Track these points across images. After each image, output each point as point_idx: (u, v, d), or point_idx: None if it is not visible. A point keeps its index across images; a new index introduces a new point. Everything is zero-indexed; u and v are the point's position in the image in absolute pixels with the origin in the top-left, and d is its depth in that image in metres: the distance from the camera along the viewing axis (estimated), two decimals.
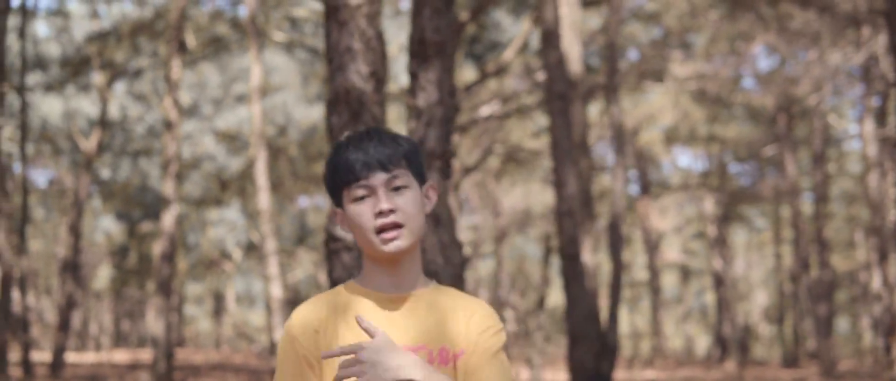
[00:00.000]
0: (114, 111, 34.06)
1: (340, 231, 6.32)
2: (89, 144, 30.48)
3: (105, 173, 36.89)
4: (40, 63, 30.97)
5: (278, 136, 36.15)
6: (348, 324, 2.77)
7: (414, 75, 6.77)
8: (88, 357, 36.71)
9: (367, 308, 2.79)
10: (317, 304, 2.83)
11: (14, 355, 28.30)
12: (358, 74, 6.35)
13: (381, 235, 2.72)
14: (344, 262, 6.31)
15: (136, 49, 30.33)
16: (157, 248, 25.09)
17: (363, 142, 2.77)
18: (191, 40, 25.62)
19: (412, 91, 6.78)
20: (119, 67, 30.99)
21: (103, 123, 30.50)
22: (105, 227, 46.86)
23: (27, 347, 24.21)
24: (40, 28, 32.03)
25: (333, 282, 6.35)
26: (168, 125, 24.82)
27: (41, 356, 35.36)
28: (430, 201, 2.87)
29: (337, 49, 6.42)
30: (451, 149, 6.73)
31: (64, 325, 28.17)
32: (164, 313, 24.14)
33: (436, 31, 6.72)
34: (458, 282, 6.68)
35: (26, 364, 24.44)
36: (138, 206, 39.18)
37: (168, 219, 24.18)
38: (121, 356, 37.68)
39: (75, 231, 29.93)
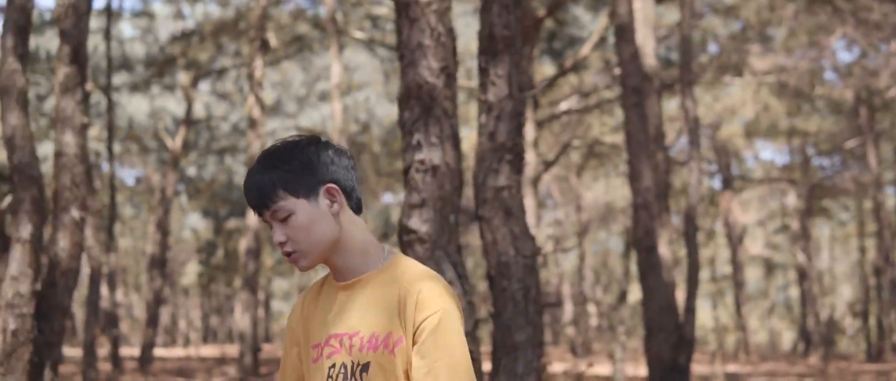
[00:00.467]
0: (199, 110, 34.61)
1: (414, 223, 6.48)
2: (175, 142, 31.01)
3: (191, 171, 37.48)
4: (126, 64, 31.59)
5: (361, 133, 36.46)
6: (315, 305, 2.96)
7: (484, 70, 6.88)
8: (176, 352, 37.32)
9: (326, 296, 2.95)
10: (306, 292, 3.06)
11: (103, 350, 28.90)
12: (428, 69, 6.47)
13: (286, 257, 2.87)
14: (417, 253, 6.44)
15: (220, 49, 30.76)
16: (244, 244, 25.45)
17: (249, 175, 2.88)
18: (273, 39, 25.92)
19: (482, 86, 6.89)
20: (203, 66, 31.47)
21: (188, 121, 31.02)
22: (192, 224, 47.60)
23: (116, 342, 24.71)
24: (126, 29, 32.60)
25: None
26: (252, 123, 25.15)
27: (130, 351, 36.04)
28: (336, 200, 2.85)
29: (408, 45, 6.55)
30: (521, 142, 6.82)
31: (152, 320, 28.70)
32: (250, 308, 24.49)
33: (505, 27, 6.81)
34: (529, 273, 6.79)
35: (115, 359, 24.96)
36: (224, 203, 39.75)
37: (253, 216, 24.51)
38: (208, 351, 38.24)
39: (162, 228, 30.49)
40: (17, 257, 8.06)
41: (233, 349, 37.13)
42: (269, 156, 2.85)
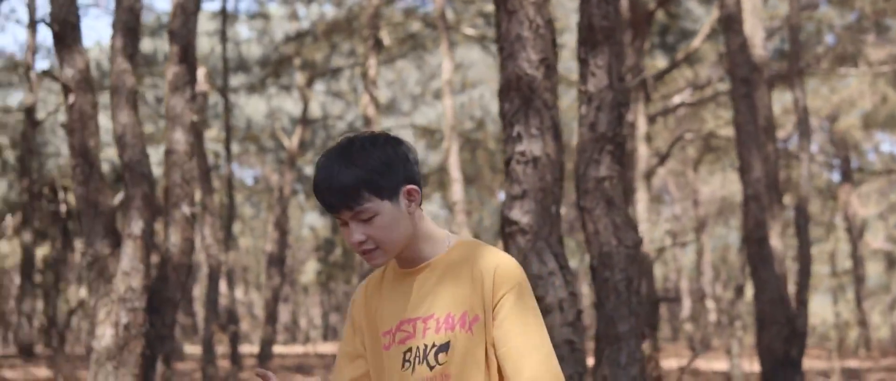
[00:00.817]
0: (315, 110, 34.99)
1: (516, 214, 6.46)
2: (292, 142, 31.39)
3: (308, 170, 37.91)
4: (243, 65, 32.07)
5: (476, 130, 36.48)
6: (380, 293, 2.96)
7: (583, 61, 6.84)
8: (296, 349, 37.78)
9: (393, 282, 2.94)
10: (368, 280, 3.04)
11: (222, 347, 29.42)
12: (528, 61, 6.45)
13: (362, 256, 2.85)
14: (518, 244, 6.44)
15: (334, 48, 31.06)
16: None
17: (324, 180, 2.79)
18: (386, 38, 26.11)
19: (582, 77, 6.85)
20: (319, 66, 31.81)
21: (305, 121, 31.38)
22: (311, 222, 48.15)
23: (235, 339, 25.10)
24: (242, 31, 33.11)
25: None
26: (366, 122, 25.36)
27: (250, 348, 36.61)
28: (413, 201, 2.86)
29: (507, 38, 6.53)
30: (622, 133, 6.76)
31: (271, 318, 29.09)
32: None
33: (604, 18, 6.76)
34: (631, 263, 6.73)
35: (234, 356, 25.36)
36: None
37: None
38: (327, 347, 38.66)
39: (280, 227, 30.88)
40: (129, 252, 8.25)
41: None
42: (347, 154, 2.79)
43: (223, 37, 28.37)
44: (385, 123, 36.54)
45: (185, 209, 8.90)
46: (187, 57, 8.94)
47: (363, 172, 2.75)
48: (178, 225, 8.88)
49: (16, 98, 38.58)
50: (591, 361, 7.49)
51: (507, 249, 6.47)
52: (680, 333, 44.42)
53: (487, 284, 2.82)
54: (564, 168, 6.56)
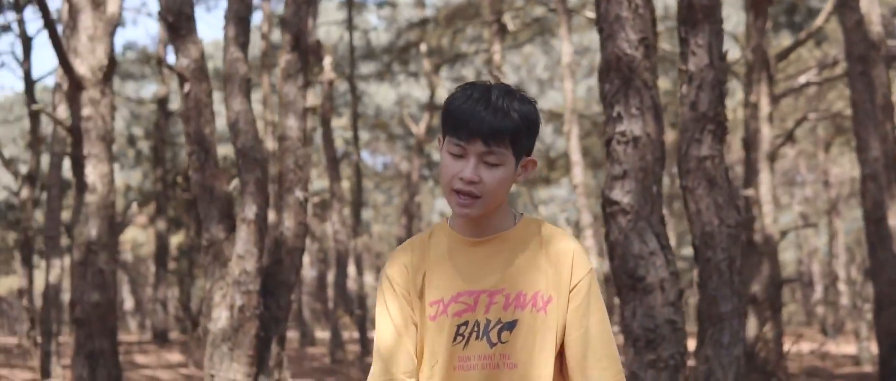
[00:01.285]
0: (442, 96, 35.17)
1: (617, 194, 6.45)
2: (419, 128, 31.62)
3: (437, 156, 38.13)
4: (371, 53, 32.36)
5: (602, 113, 36.22)
6: (428, 259, 2.83)
7: (684, 40, 6.78)
8: None
9: (451, 251, 2.81)
10: (410, 247, 2.88)
11: (348, 333, 29.77)
12: (627, 41, 6.42)
13: (457, 197, 2.71)
14: (620, 224, 6.42)
15: (458, 34, 31.16)
16: None
17: (481, 103, 2.69)
18: (510, 23, 26.10)
19: (682, 56, 6.80)
20: (445, 52, 31.96)
21: (432, 107, 31.55)
22: (441, 208, 48.43)
23: (362, 323, 25.39)
24: (371, 19, 33.42)
25: (610, 244, 6.49)
26: None
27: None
28: (525, 173, 2.81)
29: (606, 18, 6.52)
30: (723, 112, 6.69)
31: None
32: None
33: None
34: (733, 243, 6.66)
35: (363, 341, 25.67)
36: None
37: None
38: None
39: (409, 213, 31.15)
40: (243, 236, 8.44)
41: None
42: (510, 95, 2.74)
43: (350, 25, 28.72)
44: None
45: (299, 194, 9.07)
46: (299, 45, 9.10)
47: (518, 118, 2.71)
48: (291, 209, 9.05)
49: (149, 90, 39.64)
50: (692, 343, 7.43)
51: (608, 229, 6.47)
52: (813, 317, 43.54)
53: (565, 266, 2.80)
54: (665, 147, 6.53)
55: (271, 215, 11.02)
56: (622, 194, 6.40)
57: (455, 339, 2.77)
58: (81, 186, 12.57)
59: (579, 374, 2.79)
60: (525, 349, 2.76)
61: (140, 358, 22.95)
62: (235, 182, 9.18)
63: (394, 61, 32.38)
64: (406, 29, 31.10)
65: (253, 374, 8.41)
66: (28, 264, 20.29)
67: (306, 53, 9.12)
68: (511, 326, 2.76)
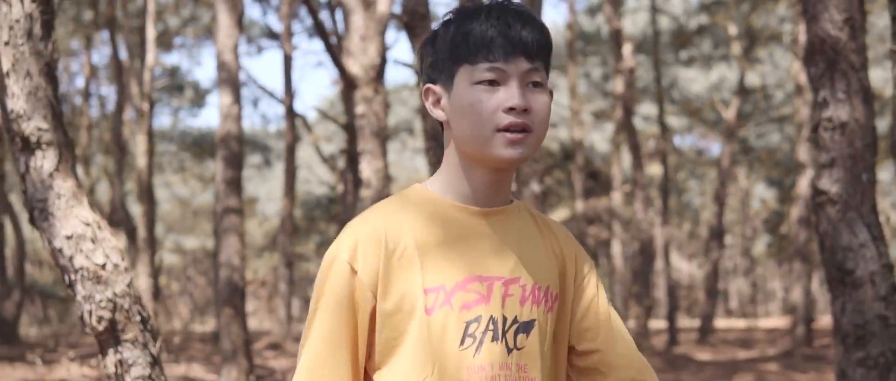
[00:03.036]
0: (752, 79, 34.19)
1: (824, 184, 6.13)
2: (730, 113, 30.89)
3: (751, 141, 37.13)
4: (678, 37, 31.85)
5: None
6: (431, 237, 2.18)
7: (894, 18, 6.37)
8: (738, 324, 37.18)
9: (448, 222, 2.20)
10: (380, 215, 2.20)
11: (658, 323, 29.42)
12: (831, 22, 6.09)
13: (507, 135, 2.11)
14: (828, 215, 6.11)
15: (768, 13, 30.27)
16: (794, 213, 25.12)
17: (505, 15, 2.16)
18: None
19: (894, 36, 6.38)
20: (757, 35, 31.09)
21: (743, 91, 30.75)
22: (759, 194, 47.14)
23: (648, 313, 25.05)
24: (675, 3, 32.91)
25: (820, 236, 6.19)
26: (798, 90, 24.61)
27: (692, 322, 36.40)
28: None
29: None
30: None
31: (711, 292, 28.81)
32: (802, 279, 23.95)
33: None
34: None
35: (672, 330, 25.37)
36: (788, 172, 39.02)
37: (803, 183, 24.04)
38: (773, 322, 37.78)
39: (719, 199, 30.50)
40: None
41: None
42: (531, 12, 2.22)
43: (653, 10, 28.42)
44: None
45: (535, 187, 9.09)
46: None
47: (547, 32, 2.22)
48: (528, 203, 9.08)
49: None
50: None
51: (817, 221, 6.18)
52: None
53: (570, 258, 2.34)
54: (877, 133, 6.15)
55: None
56: (830, 184, 6.08)
57: (463, 341, 2.12)
58: (357, 182, 13.03)
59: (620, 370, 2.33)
60: (542, 360, 2.21)
61: None
62: None
63: (696, 44, 31.81)
64: (697, 11, 30.47)
65: None
66: None
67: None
68: (528, 327, 2.19)
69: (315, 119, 40.94)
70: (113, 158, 26.34)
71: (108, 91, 35.31)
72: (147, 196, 22.65)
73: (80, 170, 34.77)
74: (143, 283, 21.36)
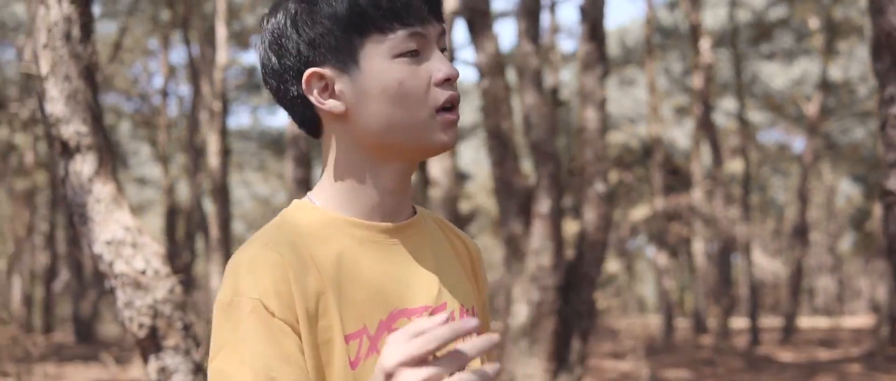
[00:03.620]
0: (835, 73, 33.60)
1: (893, 183, 5.89)
2: (812, 108, 30.35)
3: (835, 136, 36.51)
4: (758, 30, 31.40)
5: None
6: (337, 270, 1.68)
7: None
8: (821, 323, 36.59)
9: (353, 247, 1.72)
10: (274, 247, 1.65)
11: (740, 322, 29.02)
12: None
13: (446, 115, 1.69)
14: None
15: (846, 5, 29.73)
16: (878, 210, 24.57)
17: None
18: None
19: None
20: (839, 28, 30.54)
21: (825, 86, 30.21)
22: (845, 190, 46.40)
23: (728, 311, 24.69)
24: None
25: (889, 238, 5.94)
26: None
27: (773, 322, 35.92)
28: None
29: None
30: None
31: (794, 290, 28.36)
32: (886, 277, 23.48)
33: None
34: None
35: (754, 330, 25.00)
36: (873, 168, 38.33)
37: (893, 180, 23.54)
38: (858, 321, 37.14)
39: (802, 196, 30.00)
40: (538, 231, 8.40)
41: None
42: None
43: (732, 3, 28.02)
44: None
45: (600, 186, 8.92)
46: (596, 34, 8.94)
47: None
48: (592, 202, 8.91)
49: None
50: None
51: (886, 222, 5.92)
52: None
53: (479, 270, 1.96)
54: None
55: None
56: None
57: None
58: (425, 180, 12.95)
59: None
60: None
61: None
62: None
63: (777, 38, 31.33)
64: (778, 3, 30.00)
65: (552, 370, 8.36)
66: None
67: (603, 42, 8.94)
68: None
69: None
70: (189, 158, 26.61)
71: (186, 90, 35.72)
72: (220, 195, 22.77)
73: (158, 169, 35.35)
74: (217, 282, 21.48)
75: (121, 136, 38.01)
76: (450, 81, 1.68)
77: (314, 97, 1.71)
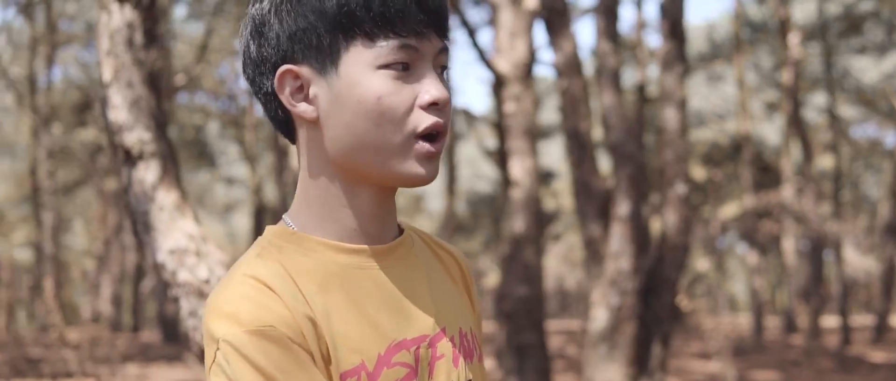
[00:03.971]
0: None
1: None
2: None
3: None
4: (851, 22, 30.82)
5: None
6: (329, 302, 1.50)
7: None
8: None
9: (345, 276, 1.54)
10: (272, 279, 1.46)
11: (830, 320, 28.49)
12: None
13: (426, 145, 1.51)
14: None
15: None
16: None
17: None
18: None
19: None
20: None
21: None
22: None
23: (817, 311, 24.25)
24: None
25: None
26: None
27: (864, 321, 35.29)
28: None
29: None
30: None
31: (887, 289, 27.78)
32: None
33: None
34: None
35: (845, 328, 24.55)
36: None
37: None
38: None
39: (895, 192, 29.36)
40: (617, 233, 8.25)
41: None
42: None
43: None
44: None
45: (680, 188, 8.73)
46: (676, 33, 8.75)
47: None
48: (673, 204, 8.73)
49: (630, 77, 39.96)
50: None
51: None
52: None
53: (469, 281, 1.81)
54: None
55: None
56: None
57: None
58: (507, 181, 12.84)
59: None
60: None
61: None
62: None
63: (868, 32, 30.73)
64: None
65: (632, 375, 8.20)
66: None
67: (683, 42, 8.75)
68: None
69: (480, 114, 41.06)
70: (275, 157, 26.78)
71: None
72: None
73: (245, 168, 35.65)
74: None
75: (209, 136, 38.43)
76: (437, 106, 1.49)
77: (285, 97, 1.54)
